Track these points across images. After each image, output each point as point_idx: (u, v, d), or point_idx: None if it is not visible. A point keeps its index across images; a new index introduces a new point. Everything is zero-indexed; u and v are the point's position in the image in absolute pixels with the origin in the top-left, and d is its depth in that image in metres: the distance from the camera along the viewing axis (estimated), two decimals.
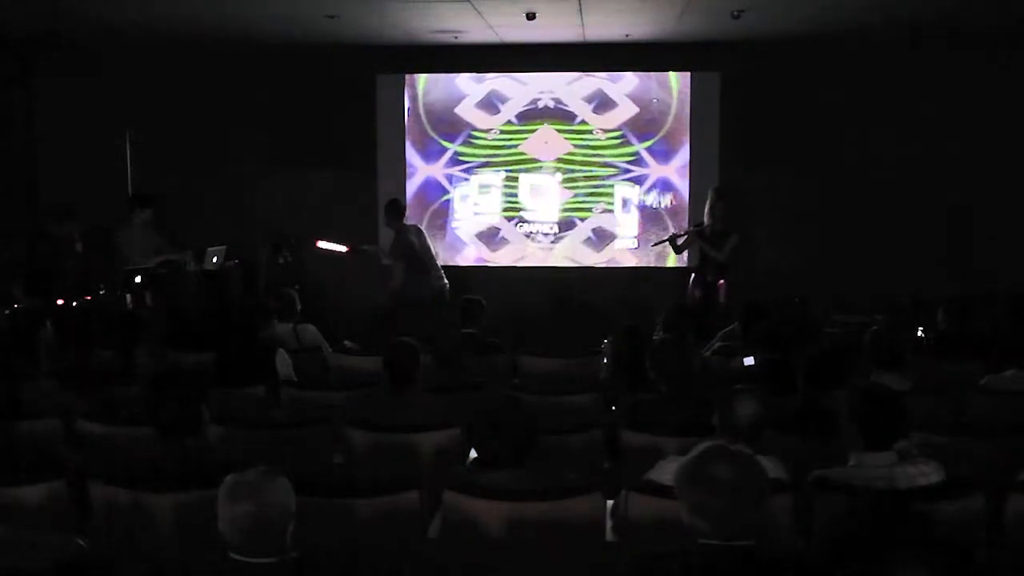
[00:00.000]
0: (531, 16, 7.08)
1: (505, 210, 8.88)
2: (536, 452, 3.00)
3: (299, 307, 5.83)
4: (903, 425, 2.99)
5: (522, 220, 8.88)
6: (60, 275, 6.66)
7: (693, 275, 7.46)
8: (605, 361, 5.25)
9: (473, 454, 3.24)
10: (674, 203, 8.68)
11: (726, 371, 4.83)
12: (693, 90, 8.61)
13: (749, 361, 4.69)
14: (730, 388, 3.23)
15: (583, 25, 7.53)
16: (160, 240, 7.52)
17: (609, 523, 3.04)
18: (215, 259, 7.61)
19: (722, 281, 7.25)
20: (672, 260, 8.47)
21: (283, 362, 4.88)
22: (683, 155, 8.68)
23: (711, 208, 7.41)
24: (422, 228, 7.83)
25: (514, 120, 8.76)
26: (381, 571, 2.91)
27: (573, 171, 8.78)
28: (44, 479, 3.04)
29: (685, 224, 8.23)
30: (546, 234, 8.88)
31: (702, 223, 7.55)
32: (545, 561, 2.85)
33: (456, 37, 8.05)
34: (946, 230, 8.08)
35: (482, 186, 8.90)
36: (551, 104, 8.71)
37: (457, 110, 8.81)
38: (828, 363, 3.79)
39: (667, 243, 7.64)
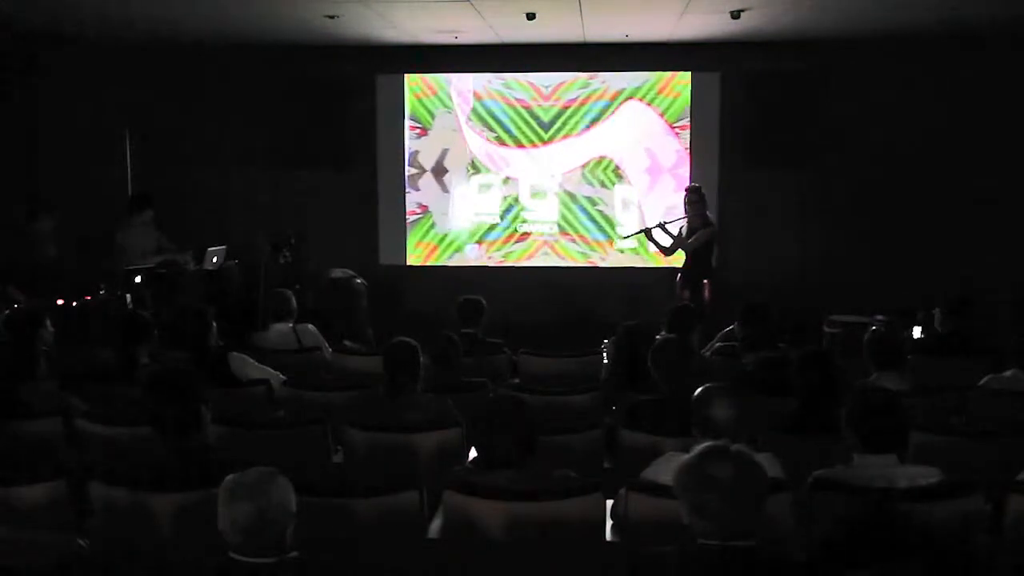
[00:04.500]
0: (531, 16, 7.08)
1: (505, 211, 8.89)
2: (536, 452, 3.00)
3: (295, 306, 5.80)
4: (903, 428, 2.98)
5: (523, 220, 8.90)
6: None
7: (680, 275, 7.49)
8: (605, 361, 5.25)
9: (473, 454, 3.24)
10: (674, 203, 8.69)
11: (726, 371, 4.83)
12: (693, 90, 8.62)
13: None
14: (704, 387, 3.13)
15: (583, 25, 7.53)
16: (162, 240, 7.52)
17: (609, 523, 3.04)
18: (215, 259, 7.61)
19: (706, 281, 7.28)
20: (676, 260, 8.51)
21: (241, 365, 4.69)
22: (683, 155, 8.69)
23: (684, 205, 7.45)
24: None
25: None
26: (381, 571, 2.91)
27: (573, 172, 8.81)
28: (44, 479, 3.04)
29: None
30: (545, 234, 8.89)
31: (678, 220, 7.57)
32: (545, 561, 2.85)
33: (456, 37, 8.05)
34: (946, 229, 8.08)
35: (482, 186, 8.90)
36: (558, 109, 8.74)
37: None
38: (823, 363, 3.78)
39: (642, 235, 7.62)
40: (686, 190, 7.58)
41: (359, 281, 8.03)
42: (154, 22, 7.37)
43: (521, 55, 8.53)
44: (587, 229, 8.85)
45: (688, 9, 6.88)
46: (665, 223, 7.49)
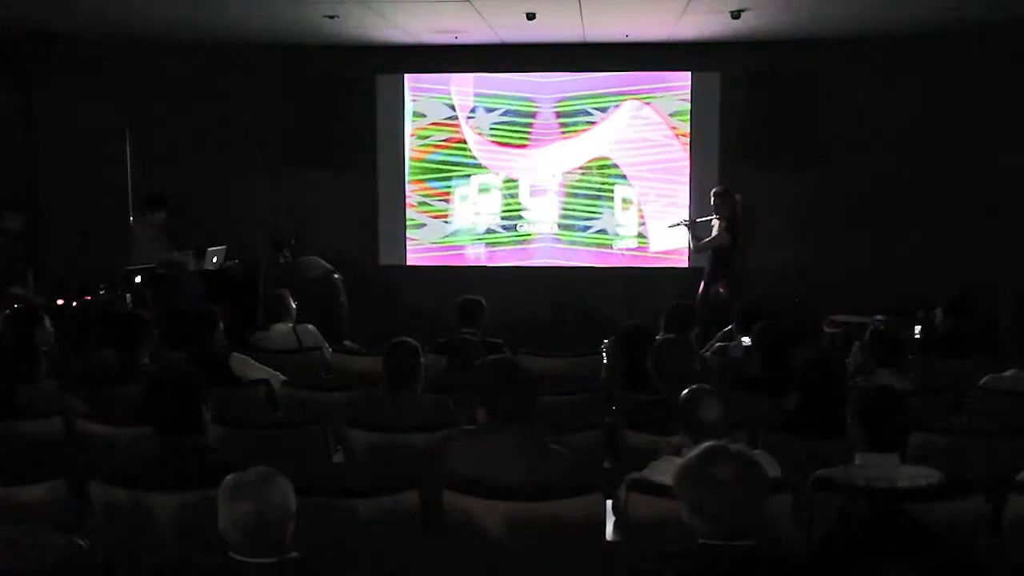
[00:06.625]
0: (531, 16, 7.08)
1: (505, 211, 8.89)
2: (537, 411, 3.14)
3: (294, 306, 5.79)
4: (907, 427, 2.98)
5: (523, 220, 8.90)
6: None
7: (704, 279, 7.64)
8: (605, 361, 5.25)
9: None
10: (674, 203, 8.70)
11: (725, 368, 4.83)
12: (693, 90, 8.62)
13: (746, 341, 4.71)
14: (689, 387, 3.10)
15: (583, 25, 7.53)
16: (165, 241, 7.52)
17: (609, 523, 3.04)
18: (215, 259, 7.60)
19: (723, 281, 7.36)
20: (675, 261, 8.54)
21: (242, 365, 4.70)
22: (683, 155, 8.69)
23: (712, 206, 7.66)
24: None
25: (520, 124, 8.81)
26: (381, 571, 2.91)
27: (573, 172, 8.81)
28: (44, 479, 3.04)
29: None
30: (545, 234, 8.89)
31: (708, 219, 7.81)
32: (545, 561, 2.85)
33: (456, 37, 8.05)
34: (947, 229, 8.08)
35: (482, 186, 8.90)
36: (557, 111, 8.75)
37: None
38: (823, 363, 3.78)
39: (683, 227, 7.91)
40: (711, 193, 7.78)
41: (337, 276, 7.79)
42: (154, 22, 7.37)
43: (521, 55, 8.53)
44: (587, 229, 8.84)
45: (688, 9, 6.88)
46: (696, 220, 7.83)
